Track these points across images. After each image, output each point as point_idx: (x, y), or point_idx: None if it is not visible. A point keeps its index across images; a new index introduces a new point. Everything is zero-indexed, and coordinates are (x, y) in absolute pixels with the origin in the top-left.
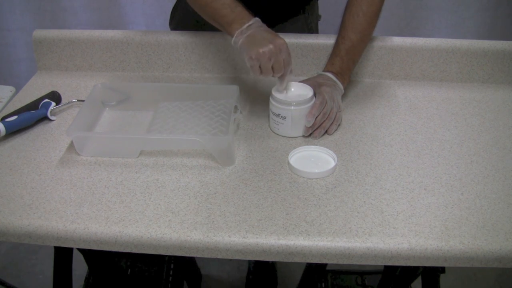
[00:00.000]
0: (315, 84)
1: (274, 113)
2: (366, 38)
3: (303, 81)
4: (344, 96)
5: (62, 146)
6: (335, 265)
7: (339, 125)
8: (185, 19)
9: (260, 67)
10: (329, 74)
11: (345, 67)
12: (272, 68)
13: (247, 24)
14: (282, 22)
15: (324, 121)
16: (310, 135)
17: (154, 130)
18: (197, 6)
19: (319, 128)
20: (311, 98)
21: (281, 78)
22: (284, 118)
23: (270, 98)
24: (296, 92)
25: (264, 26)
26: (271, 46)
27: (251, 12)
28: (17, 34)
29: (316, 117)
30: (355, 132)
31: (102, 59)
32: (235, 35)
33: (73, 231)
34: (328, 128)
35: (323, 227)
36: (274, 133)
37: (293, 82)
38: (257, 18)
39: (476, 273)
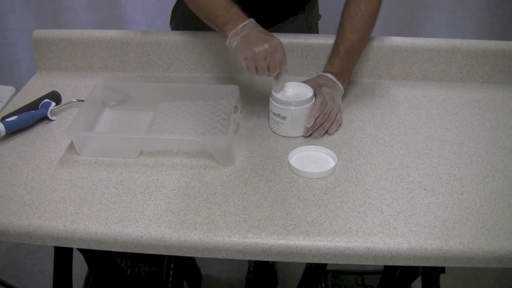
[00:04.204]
0: (315, 85)
1: (274, 113)
2: (365, 38)
3: (303, 82)
4: (344, 96)
5: (62, 146)
6: (335, 265)
7: (339, 125)
8: (185, 18)
9: (256, 66)
10: (329, 75)
11: (344, 68)
12: (268, 67)
13: (241, 25)
14: (282, 21)
15: (324, 121)
16: (310, 135)
17: (154, 130)
18: (193, 6)
19: (319, 128)
20: (311, 98)
21: (277, 78)
22: (284, 118)
23: (270, 98)
24: (296, 92)
25: (259, 27)
26: (266, 45)
27: (246, 13)
28: (17, 33)
29: (316, 118)
30: (355, 132)
31: (102, 59)
32: (229, 35)
33: (73, 231)
34: (329, 129)
35: (323, 227)
36: (274, 133)
37: (293, 82)
38: (251, 19)
39: (476, 273)
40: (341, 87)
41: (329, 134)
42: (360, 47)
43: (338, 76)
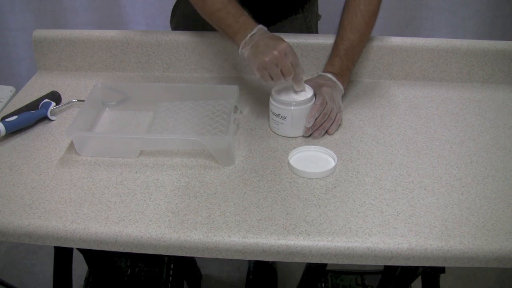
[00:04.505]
0: (315, 85)
1: (274, 113)
2: (365, 38)
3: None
4: (344, 96)
5: (62, 146)
6: (335, 265)
7: (339, 125)
8: (185, 17)
9: (269, 74)
10: (329, 75)
11: (344, 67)
12: (282, 72)
13: (250, 34)
14: (280, 20)
15: (324, 121)
16: (310, 135)
17: (154, 130)
18: (204, 14)
19: (319, 128)
20: (311, 98)
21: (295, 79)
22: (284, 118)
23: (270, 98)
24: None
25: (267, 33)
26: (275, 52)
27: (255, 20)
28: (17, 33)
29: (316, 118)
30: (355, 132)
31: (102, 59)
32: (240, 46)
33: (73, 231)
34: (329, 129)
35: (323, 227)
36: (274, 133)
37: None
38: (260, 26)
39: (476, 273)
40: (341, 87)
41: (329, 134)
42: (360, 47)
43: (338, 76)
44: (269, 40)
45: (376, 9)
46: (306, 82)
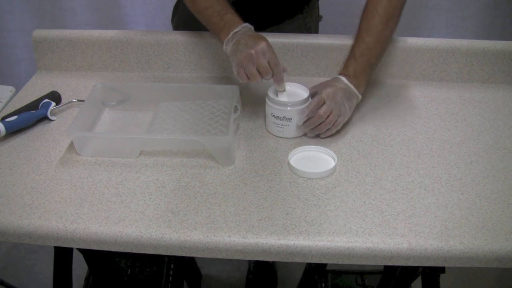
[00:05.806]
0: (324, 85)
1: (277, 117)
2: (383, 40)
3: (314, 86)
4: None
5: (62, 146)
6: (335, 265)
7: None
8: (186, 17)
9: (245, 73)
10: (342, 77)
11: (359, 70)
12: (259, 71)
13: (232, 32)
14: (280, 22)
15: (321, 123)
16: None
17: (154, 130)
18: (193, 11)
19: (314, 130)
20: (308, 98)
21: (275, 79)
22: (289, 119)
23: (270, 103)
24: (292, 92)
25: (250, 31)
26: (251, 51)
27: (243, 15)
28: (17, 34)
29: (311, 118)
30: (355, 132)
31: (102, 59)
32: (224, 43)
33: (73, 231)
34: (324, 132)
35: (323, 227)
36: (276, 136)
37: (289, 83)
38: (245, 24)
39: (476, 273)
40: (356, 91)
41: (321, 138)
42: (377, 49)
43: (352, 79)
44: (249, 38)
45: (396, 12)
46: (319, 84)
